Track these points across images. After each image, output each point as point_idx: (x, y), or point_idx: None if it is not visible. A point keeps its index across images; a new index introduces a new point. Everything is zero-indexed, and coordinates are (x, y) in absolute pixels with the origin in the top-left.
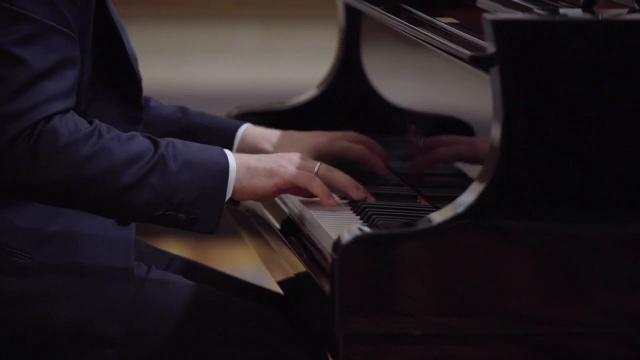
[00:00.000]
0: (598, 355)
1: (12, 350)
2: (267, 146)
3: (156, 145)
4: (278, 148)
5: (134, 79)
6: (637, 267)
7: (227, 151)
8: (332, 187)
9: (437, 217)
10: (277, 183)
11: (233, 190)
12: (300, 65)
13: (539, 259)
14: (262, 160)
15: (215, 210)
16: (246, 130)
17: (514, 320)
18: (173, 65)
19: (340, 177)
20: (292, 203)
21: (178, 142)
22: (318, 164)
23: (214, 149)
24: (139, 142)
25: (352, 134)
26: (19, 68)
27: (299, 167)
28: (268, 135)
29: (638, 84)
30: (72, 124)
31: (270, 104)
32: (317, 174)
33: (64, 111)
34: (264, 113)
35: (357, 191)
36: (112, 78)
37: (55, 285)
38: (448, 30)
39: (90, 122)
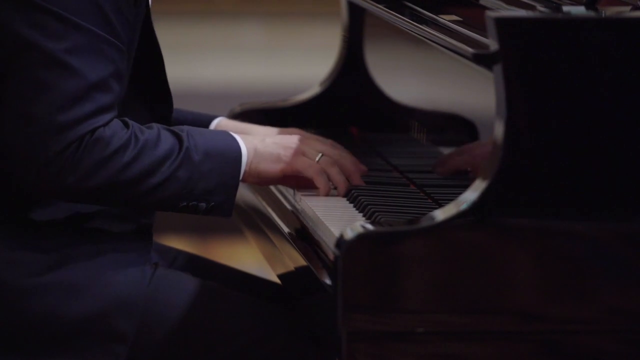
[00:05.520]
0: (600, 353)
1: (24, 341)
2: None
3: (180, 139)
4: None
5: (167, 99)
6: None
7: (235, 135)
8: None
9: (440, 214)
10: (284, 169)
11: (242, 174)
12: (304, 62)
13: (542, 257)
14: (266, 143)
15: (231, 195)
16: (218, 124)
17: (516, 317)
18: (176, 63)
19: (337, 175)
20: (294, 199)
21: (194, 131)
22: (320, 154)
23: (225, 134)
24: (166, 138)
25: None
26: (71, 77)
27: (304, 154)
28: (240, 129)
29: None
30: (114, 132)
31: (273, 101)
32: (318, 162)
33: (108, 122)
34: (266, 110)
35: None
36: (146, 95)
37: (70, 279)
38: (451, 28)
39: (125, 124)
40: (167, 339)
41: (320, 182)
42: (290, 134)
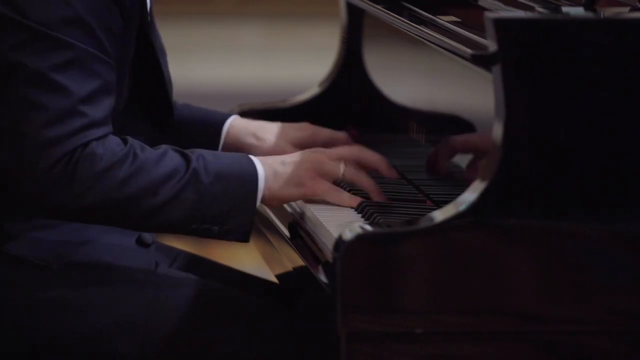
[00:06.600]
0: (600, 353)
1: (24, 358)
2: (251, 140)
3: (188, 159)
4: (262, 142)
5: (168, 107)
6: (639, 265)
7: (253, 158)
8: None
9: (439, 215)
10: (305, 193)
11: (261, 197)
12: (303, 63)
13: (541, 257)
14: (287, 163)
15: (247, 219)
16: (232, 123)
17: (516, 318)
18: (175, 63)
19: (365, 182)
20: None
21: (207, 154)
22: (342, 167)
23: (242, 157)
24: (172, 157)
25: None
26: (59, 94)
27: (325, 173)
28: (252, 128)
29: None
30: (108, 148)
31: (272, 102)
32: (343, 176)
33: (102, 137)
34: (266, 111)
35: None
36: (147, 105)
37: (73, 296)
38: (450, 29)
39: (125, 142)
40: (167, 339)
41: (342, 201)
42: (302, 128)
